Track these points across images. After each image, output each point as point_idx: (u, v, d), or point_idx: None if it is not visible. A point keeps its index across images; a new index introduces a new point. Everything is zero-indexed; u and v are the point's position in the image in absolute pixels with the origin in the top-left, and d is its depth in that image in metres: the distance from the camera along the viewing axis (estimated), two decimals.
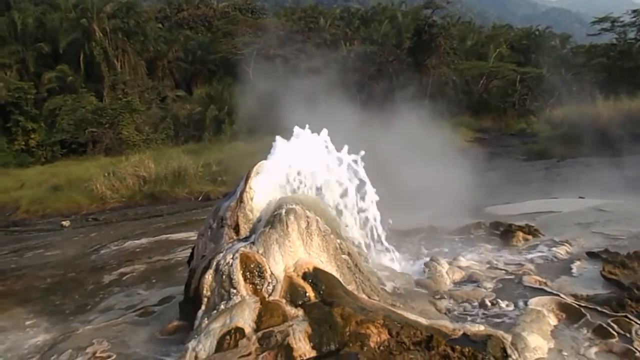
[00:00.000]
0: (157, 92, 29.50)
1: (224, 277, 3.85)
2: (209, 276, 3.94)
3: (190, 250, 5.41)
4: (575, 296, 4.58)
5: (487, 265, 5.54)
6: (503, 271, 5.34)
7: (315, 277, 3.98)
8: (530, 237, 6.65)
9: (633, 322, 3.98)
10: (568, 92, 29.47)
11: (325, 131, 5.18)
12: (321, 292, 3.90)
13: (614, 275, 5.03)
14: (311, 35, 32.21)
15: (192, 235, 9.25)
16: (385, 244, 5.38)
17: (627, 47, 31.72)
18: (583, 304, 4.33)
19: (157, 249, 9.34)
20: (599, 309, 4.23)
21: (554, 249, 6.09)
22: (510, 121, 28.24)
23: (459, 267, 5.30)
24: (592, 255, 5.71)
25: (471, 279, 5.08)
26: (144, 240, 10.30)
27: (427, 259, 5.43)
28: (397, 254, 5.57)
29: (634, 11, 31.63)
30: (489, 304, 4.42)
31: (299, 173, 4.72)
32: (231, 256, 3.93)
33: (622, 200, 8.73)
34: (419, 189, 8.69)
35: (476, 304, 4.47)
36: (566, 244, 6.27)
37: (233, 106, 27.02)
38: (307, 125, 5.17)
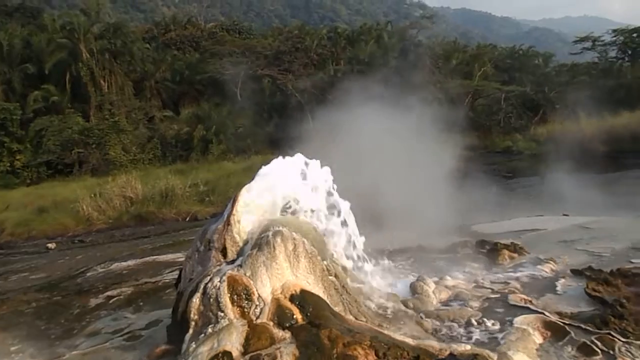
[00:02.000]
0: (144, 112, 29.47)
1: (211, 300, 3.86)
2: (196, 299, 3.94)
3: (177, 272, 5.40)
4: (559, 314, 4.64)
5: (474, 284, 5.58)
6: (489, 290, 5.39)
7: (303, 299, 4.00)
8: (515, 255, 6.72)
9: (616, 339, 4.04)
10: (552, 110, 29.96)
11: (300, 156, 5.24)
12: (308, 314, 3.91)
13: (597, 292, 5.09)
14: (298, 56, 32.47)
15: (180, 256, 9.20)
16: (372, 264, 5.41)
17: (608, 66, 32.43)
18: (567, 322, 4.39)
19: (144, 271, 9.27)
20: (583, 326, 4.29)
21: (539, 266, 6.16)
22: (495, 139, 28.51)
23: (446, 287, 5.34)
24: (576, 272, 5.77)
25: (458, 298, 5.11)
26: (131, 262, 10.22)
27: (414, 278, 5.46)
28: (385, 274, 5.60)
29: (614, 30, 32.39)
30: (475, 323, 4.46)
31: (284, 196, 4.76)
32: (218, 279, 3.94)
33: (605, 217, 8.86)
34: (406, 208, 8.74)
35: (462, 323, 4.51)
36: (551, 261, 6.34)
37: (220, 126, 27.09)
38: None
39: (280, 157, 5.15)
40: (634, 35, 31.47)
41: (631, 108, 24.85)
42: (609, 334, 4.14)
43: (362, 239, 5.62)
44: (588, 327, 4.27)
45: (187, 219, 15.86)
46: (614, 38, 32.19)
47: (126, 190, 16.62)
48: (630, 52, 32.19)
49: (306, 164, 5.27)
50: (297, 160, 5.15)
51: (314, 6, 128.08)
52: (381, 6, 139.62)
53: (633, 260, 6.20)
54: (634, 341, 4.02)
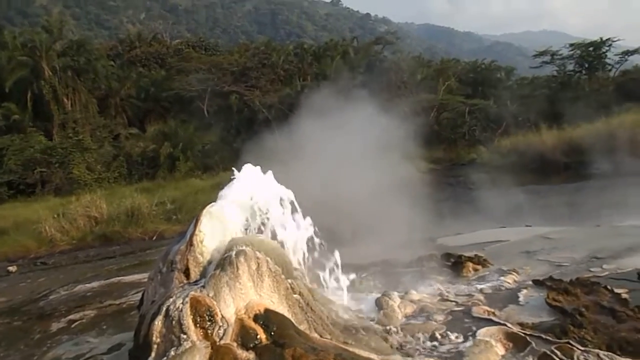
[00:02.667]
0: (109, 130, 29.10)
1: (173, 322, 3.81)
2: (158, 322, 3.88)
3: (141, 294, 5.32)
4: (521, 325, 4.73)
5: (438, 298, 5.64)
6: (453, 303, 5.45)
7: (267, 318, 3.98)
8: (479, 267, 6.82)
9: (575, 348, 4.13)
10: (514, 122, 30.67)
11: (270, 173, 5.26)
12: (272, 333, 3.89)
13: (557, 302, 5.21)
14: (265, 71, 32.59)
15: (146, 276, 9.04)
16: (339, 280, 5.43)
17: (566, 79, 33.36)
18: (528, 333, 4.47)
19: (108, 293, 9.09)
20: (543, 336, 4.37)
21: (502, 278, 6.26)
22: (461, 151, 28.97)
23: (411, 301, 5.38)
24: (537, 283, 5.88)
25: (423, 312, 5.16)
26: (95, 284, 10.01)
27: (380, 293, 5.50)
28: (351, 289, 5.62)
29: (571, 45, 33.43)
30: (439, 336, 4.51)
31: (248, 214, 4.76)
32: (181, 301, 3.89)
33: (566, 228, 9.10)
34: (372, 222, 8.81)
35: (427, 337, 4.55)
36: (514, 272, 6.46)
37: (187, 143, 26.91)
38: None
39: (243, 170, 5.13)
40: (590, 49, 32.48)
41: (589, 119, 25.60)
42: (568, 343, 4.23)
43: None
44: (548, 337, 4.36)
45: (154, 238, 15.64)
46: (572, 52, 33.15)
47: (90, 210, 16.32)
48: (587, 65, 33.18)
49: (269, 179, 5.29)
50: (260, 175, 5.16)
51: (280, 22, 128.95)
52: (347, 22, 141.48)
53: (592, 269, 6.37)
54: (592, 349, 4.12)
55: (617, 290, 5.41)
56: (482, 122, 30.63)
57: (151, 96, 33.19)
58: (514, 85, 36.83)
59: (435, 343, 4.43)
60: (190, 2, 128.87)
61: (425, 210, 10.09)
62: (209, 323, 3.84)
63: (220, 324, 3.86)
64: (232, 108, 31.09)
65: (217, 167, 25.50)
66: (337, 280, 5.45)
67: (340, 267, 5.47)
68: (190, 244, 4.39)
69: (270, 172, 5.28)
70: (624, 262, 6.51)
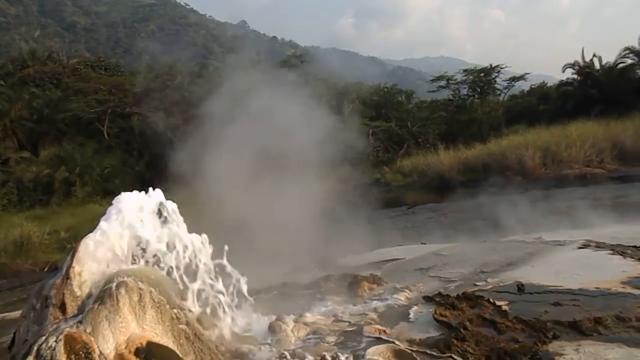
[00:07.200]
0: None
1: None
2: None
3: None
4: (410, 341, 4.87)
5: (333, 319, 5.69)
6: (347, 323, 5.52)
7: (149, 352, 3.81)
8: (375, 286, 6.98)
9: None
10: (415, 143, 32.08)
11: (157, 193, 5.12)
12: None
13: (444, 317, 5.43)
14: (169, 93, 31.83)
15: None
16: (230, 306, 5.34)
17: (461, 102, 35.54)
18: (415, 349, 4.61)
19: None
20: (428, 352, 4.53)
21: (395, 296, 6.44)
22: (365, 172, 29.78)
23: (305, 324, 5.39)
24: (427, 299, 6.09)
25: (316, 334, 5.18)
26: None
27: (274, 317, 5.47)
28: (245, 315, 5.55)
29: (465, 70, 35.72)
30: (330, 358, 4.54)
31: (132, 242, 4.58)
32: (54, 339, 3.64)
33: (457, 244, 9.55)
34: (273, 245, 8.78)
35: (317, 359, 4.57)
36: (406, 290, 6.67)
37: (85, 167, 25.65)
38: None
39: (125, 196, 4.96)
40: (482, 75, 34.90)
41: (482, 140, 27.36)
42: (451, 357, 4.42)
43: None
44: (433, 352, 4.52)
45: (46, 269, 14.63)
46: (465, 77, 35.44)
47: None
48: (479, 90, 35.55)
49: (161, 204, 5.14)
50: (146, 200, 5.00)
51: (185, 44, 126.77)
52: (254, 45, 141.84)
53: (477, 283, 6.71)
54: None
55: (498, 303, 5.72)
56: (385, 144, 31.75)
57: (45, 118, 31.25)
58: (414, 108, 38.56)
59: None
60: (90, 21, 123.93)
61: (328, 230, 10.22)
62: None
63: None
64: (135, 130, 30.08)
65: (118, 192, 24.29)
66: (229, 305, 5.34)
67: (233, 292, 5.38)
68: (67, 276, 4.14)
69: (156, 195, 5.12)
70: (506, 275, 6.93)
